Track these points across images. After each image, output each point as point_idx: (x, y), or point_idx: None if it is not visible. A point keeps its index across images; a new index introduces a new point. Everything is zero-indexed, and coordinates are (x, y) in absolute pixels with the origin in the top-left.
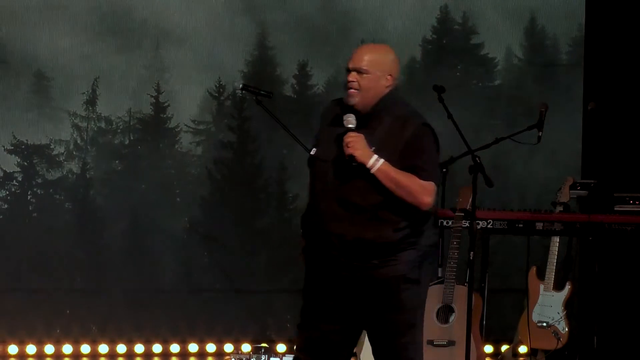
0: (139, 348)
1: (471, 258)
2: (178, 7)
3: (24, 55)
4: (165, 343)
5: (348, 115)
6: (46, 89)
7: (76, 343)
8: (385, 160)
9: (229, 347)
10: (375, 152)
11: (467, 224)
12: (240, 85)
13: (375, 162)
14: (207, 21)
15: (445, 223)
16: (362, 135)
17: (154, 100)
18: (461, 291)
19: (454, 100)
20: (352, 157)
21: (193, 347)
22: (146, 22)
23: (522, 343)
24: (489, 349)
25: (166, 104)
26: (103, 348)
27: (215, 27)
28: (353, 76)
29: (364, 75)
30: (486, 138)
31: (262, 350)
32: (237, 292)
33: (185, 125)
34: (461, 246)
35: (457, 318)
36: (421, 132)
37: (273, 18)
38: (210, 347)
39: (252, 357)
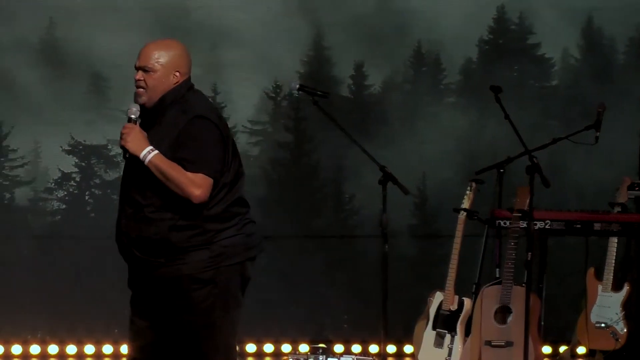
0: None
1: (529, 259)
2: (234, 7)
3: (81, 56)
4: None
5: (132, 105)
6: (103, 90)
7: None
8: (162, 154)
9: (286, 348)
10: (155, 147)
11: (525, 225)
12: (297, 86)
13: (147, 155)
14: (263, 22)
15: (502, 223)
16: (137, 127)
17: (211, 101)
18: (519, 292)
19: (511, 100)
20: (125, 149)
21: (251, 347)
22: (202, 22)
23: (580, 344)
24: (547, 349)
25: (223, 105)
26: None
27: (272, 28)
28: (140, 75)
29: (150, 73)
30: (543, 138)
31: (320, 351)
32: (294, 292)
33: (242, 125)
34: (519, 247)
35: (515, 319)
36: (192, 124)
37: (329, 18)
38: (268, 348)
39: (309, 358)
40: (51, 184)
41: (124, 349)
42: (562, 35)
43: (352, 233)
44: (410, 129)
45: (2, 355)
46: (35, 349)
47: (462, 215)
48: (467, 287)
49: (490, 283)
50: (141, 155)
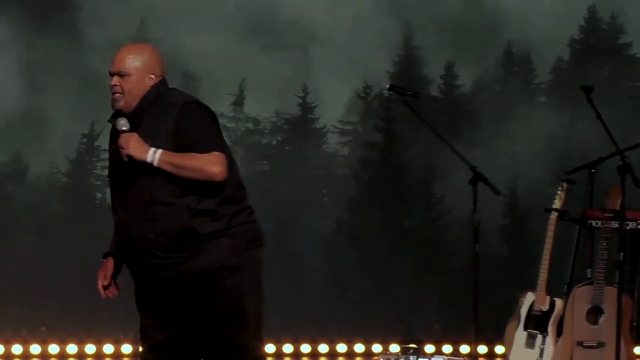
0: (288, 348)
1: (621, 259)
2: (325, 7)
3: (171, 56)
4: (314, 343)
5: (119, 119)
6: (194, 90)
7: None
8: (162, 147)
9: (377, 348)
10: (151, 144)
11: (617, 225)
12: (387, 86)
13: (154, 155)
14: (353, 22)
15: (594, 224)
16: (135, 133)
17: (301, 101)
18: (611, 292)
19: (602, 100)
20: (130, 158)
21: (341, 347)
22: (293, 22)
23: None
24: (639, 350)
25: (313, 105)
26: None
27: (362, 28)
28: (115, 80)
29: (125, 77)
30: (635, 138)
31: (411, 351)
32: (384, 293)
33: (332, 125)
34: (610, 247)
35: (607, 319)
36: (185, 111)
37: (419, 19)
38: (359, 347)
39: (400, 358)
40: None
41: None
42: None
43: (443, 233)
44: (500, 128)
45: (94, 354)
46: (126, 349)
47: (554, 215)
48: (558, 287)
49: (582, 283)
50: (148, 159)
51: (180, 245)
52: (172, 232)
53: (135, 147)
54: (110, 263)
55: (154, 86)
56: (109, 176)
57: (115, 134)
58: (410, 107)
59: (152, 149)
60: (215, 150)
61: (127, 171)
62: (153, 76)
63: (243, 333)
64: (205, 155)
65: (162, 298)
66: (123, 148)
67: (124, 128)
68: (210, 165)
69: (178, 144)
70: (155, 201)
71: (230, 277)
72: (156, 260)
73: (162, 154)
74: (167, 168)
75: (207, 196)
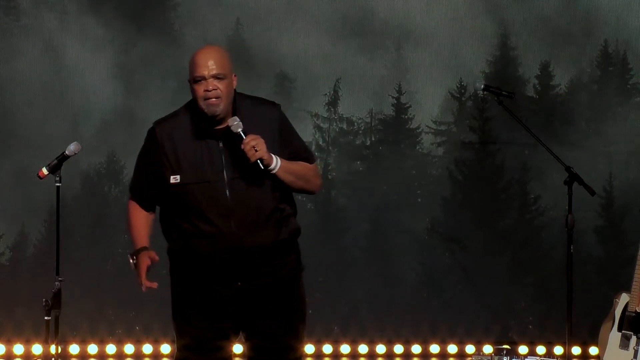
0: (381, 349)
1: None
2: (419, 7)
3: (267, 56)
4: (407, 344)
5: (232, 119)
6: (288, 90)
7: (318, 343)
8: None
9: (470, 349)
10: None
11: None
12: (482, 86)
13: (277, 161)
14: (448, 22)
15: None
16: (259, 136)
17: (395, 101)
18: None
19: None
20: (259, 161)
21: (434, 348)
22: (388, 23)
23: None
24: None
25: (407, 105)
26: (344, 348)
27: (457, 28)
28: (213, 83)
29: (223, 80)
30: None
31: (504, 352)
32: (478, 293)
33: (426, 125)
34: None
35: None
36: (281, 114)
37: (515, 18)
38: (452, 349)
39: (493, 359)
40: None
41: (309, 348)
42: None
43: (537, 234)
44: (596, 129)
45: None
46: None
47: None
48: None
49: None
50: (273, 164)
51: (287, 251)
52: (287, 239)
53: (267, 152)
54: (154, 254)
55: (235, 89)
56: (184, 181)
57: (200, 132)
58: (505, 108)
59: (275, 155)
60: (314, 161)
61: (234, 176)
62: (235, 77)
63: (304, 337)
64: (310, 166)
65: (245, 306)
66: (256, 150)
67: (240, 130)
68: (316, 177)
69: (284, 150)
70: (270, 208)
71: (301, 277)
72: (265, 267)
73: (282, 161)
74: (284, 175)
75: (291, 201)
